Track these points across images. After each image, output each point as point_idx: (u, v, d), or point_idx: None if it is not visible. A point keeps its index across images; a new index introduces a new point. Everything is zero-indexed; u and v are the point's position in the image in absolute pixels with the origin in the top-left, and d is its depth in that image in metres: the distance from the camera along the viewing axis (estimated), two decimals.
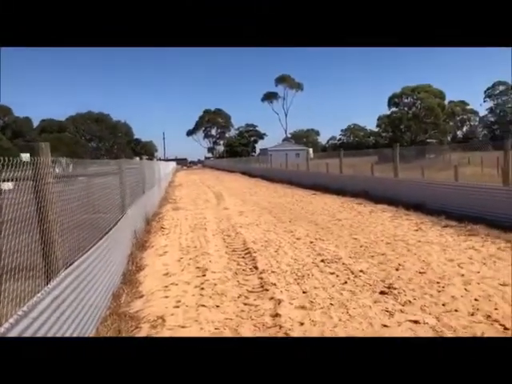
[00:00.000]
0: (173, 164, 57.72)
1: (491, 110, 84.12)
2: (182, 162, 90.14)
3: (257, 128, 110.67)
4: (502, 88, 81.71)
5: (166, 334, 4.52)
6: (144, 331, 4.60)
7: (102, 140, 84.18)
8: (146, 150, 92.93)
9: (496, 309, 4.83)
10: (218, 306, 5.27)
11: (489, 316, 4.63)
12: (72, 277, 3.99)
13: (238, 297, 5.60)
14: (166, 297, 5.70)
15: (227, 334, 4.46)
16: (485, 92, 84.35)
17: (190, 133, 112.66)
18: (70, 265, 4.08)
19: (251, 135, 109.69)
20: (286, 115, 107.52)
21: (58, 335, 3.40)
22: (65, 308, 3.66)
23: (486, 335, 4.15)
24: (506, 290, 5.43)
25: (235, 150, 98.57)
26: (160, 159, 64.01)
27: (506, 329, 4.29)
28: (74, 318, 3.86)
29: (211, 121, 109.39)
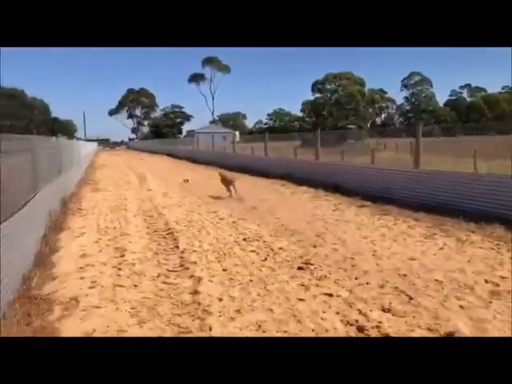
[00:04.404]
0: (94, 145, 55.16)
1: (407, 99, 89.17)
2: (104, 143, 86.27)
3: (183, 110, 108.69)
4: (417, 78, 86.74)
5: (79, 315, 4.36)
6: (56, 314, 4.40)
7: (16, 118, 78.27)
8: (64, 130, 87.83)
9: (403, 281, 5.18)
10: (135, 286, 5.16)
11: (396, 287, 4.95)
12: None
13: (158, 276, 5.52)
14: (82, 278, 5.48)
15: (144, 312, 4.40)
16: (401, 81, 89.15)
17: (112, 112, 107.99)
18: None
19: (177, 116, 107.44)
20: (213, 98, 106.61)
21: None
22: None
23: (392, 304, 4.45)
24: (412, 263, 5.83)
25: (161, 131, 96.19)
26: (80, 139, 60.94)
27: (411, 298, 4.62)
28: None
29: (135, 100, 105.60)
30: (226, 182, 12.50)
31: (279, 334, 3.88)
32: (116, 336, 3.90)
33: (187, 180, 17.73)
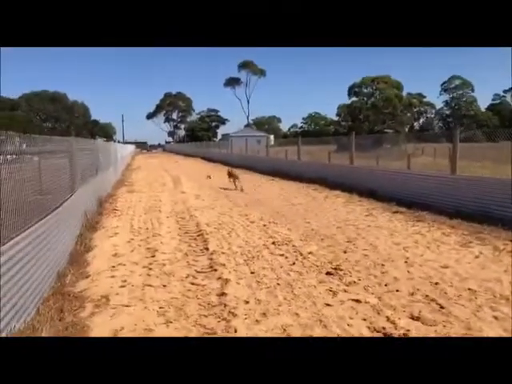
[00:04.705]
0: (131, 147, 56.45)
1: (447, 103, 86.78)
2: (141, 146, 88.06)
3: (219, 113, 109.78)
4: (457, 82, 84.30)
5: (109, 312, 4.46)
6: (87, 311, 4.52)
7: (58, 120, 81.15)
8: (104, 132, 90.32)
9: (435, 289, 5.04)
10: (164, 286, 5.23)
11: (427, 296, 4.82)
12: (7, 255, 3.84)
13: (186, 277, 5.58)
14: (113, 277, 5.61)
15: (171, 312, 4.45)
16: (441, 85, 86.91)
17: (150, 116, 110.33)
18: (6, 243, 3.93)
19: (213, 120, 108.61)
20: (248, 101, 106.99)
21: None
22: None
23: (422, 313, 4.33)
24: (445, 271, 5.66)
25: (196, 134, 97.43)
26: (118, 142, 62.52)
27: (442, 307, 4.49)
28: (9, 297, 3.74)
29: (172, 104, 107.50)
30: (233, 178, 15.89)
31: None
32: (117, 336, 3.96)
33: (210, 177, 19.82)
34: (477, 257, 6.33)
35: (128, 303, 4.71)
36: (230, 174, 16.27)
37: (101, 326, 4.12)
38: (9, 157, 5.00)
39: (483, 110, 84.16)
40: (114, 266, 6.06)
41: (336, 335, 3.91)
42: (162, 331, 4.02)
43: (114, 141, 67.06)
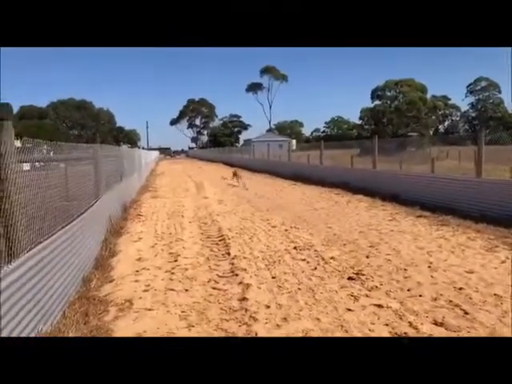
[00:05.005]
0: (155, 153, 57.18)
1: (472, 106, 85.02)
2: (165, 152, 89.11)
3: (241, 119, 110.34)
4: (483, 84, 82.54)
5: (132, 316, 4.54)
6: (111, 315, 4.61)
7: (84, 128, 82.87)
8: (128, 139, 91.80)
9: (459, 294, 4.96)
10: (186, 290, 5.30)
11: (451, 301, 4.75)
12: (35, 260, 3.95)
13: (208, 281, 5.64)
14: (136, 281, 5.70)
15: (193, 316, 4.51)
16: (467, 87, 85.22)
17: (173, 122, 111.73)
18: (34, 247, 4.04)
19: (235, 126, 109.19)
20: (270, 106, 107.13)
21: (16, 318, 3.38)
22: (25, 292, 3.63)
23: (445, 318, 4.27)
24: (470, 276, 5.56)
25: (219, 140, 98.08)
26: (143, 148, 63.29)
27: (466, 313, 4.41)
28: (36, 301, 3.84)
29: (195, 110, 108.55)
30: (236, 177, 19.62)
31: None
32: (117, 336, 4.02)
33: (225, 177, 21.91)
34: (503, 262, 6.19)
35: (151, 307, 4.78)
36: (235, 174, 20.03)
37: (124, 330, 4.19)
38: (37, 164, 5.18)
39: (511, 111, 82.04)
40: (137, 271, 6.16)
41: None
42: (183, 335, 4.07)
43: (139, 147, 68.00)
